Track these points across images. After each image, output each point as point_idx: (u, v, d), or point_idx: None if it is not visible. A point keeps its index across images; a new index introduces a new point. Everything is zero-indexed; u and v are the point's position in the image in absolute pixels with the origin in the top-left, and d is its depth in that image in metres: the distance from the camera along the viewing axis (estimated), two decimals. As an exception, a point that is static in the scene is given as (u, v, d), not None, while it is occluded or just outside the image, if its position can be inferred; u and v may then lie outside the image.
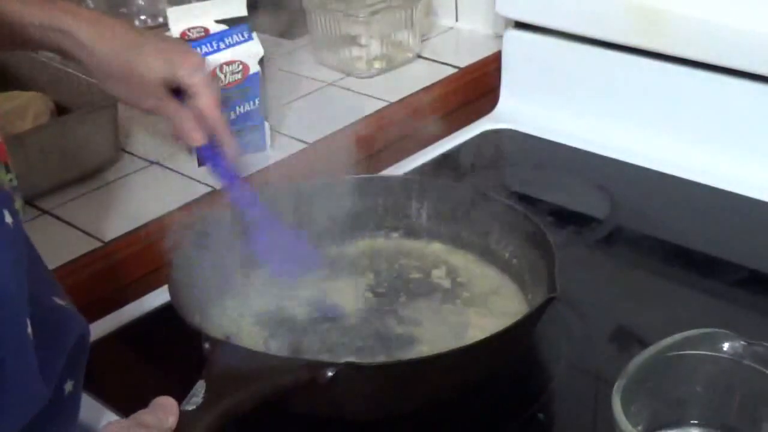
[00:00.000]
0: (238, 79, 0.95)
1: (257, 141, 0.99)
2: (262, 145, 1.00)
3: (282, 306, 0.77)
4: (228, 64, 0.94)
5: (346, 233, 0.85)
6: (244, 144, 0.97)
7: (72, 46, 0.79)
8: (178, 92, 0.82)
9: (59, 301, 0.55)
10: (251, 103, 0.97)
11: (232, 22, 0.95)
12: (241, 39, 0.95)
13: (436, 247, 0.84)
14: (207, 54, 0.93)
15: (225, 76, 0.94)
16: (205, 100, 0.81)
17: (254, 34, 0.96)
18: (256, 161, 0.97)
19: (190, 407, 0.58)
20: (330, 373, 0.61)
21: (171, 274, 0.72)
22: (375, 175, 0.93)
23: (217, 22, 0.94)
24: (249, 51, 0.95)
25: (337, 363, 0.61)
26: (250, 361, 0.63)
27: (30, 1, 0.78)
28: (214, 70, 0.89)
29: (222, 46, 0.94)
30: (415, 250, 0.84)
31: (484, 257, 0.81)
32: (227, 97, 0.93)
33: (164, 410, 0.56)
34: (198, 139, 0.81)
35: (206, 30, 0.94)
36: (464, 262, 0.82)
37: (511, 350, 0.69)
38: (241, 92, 0.96)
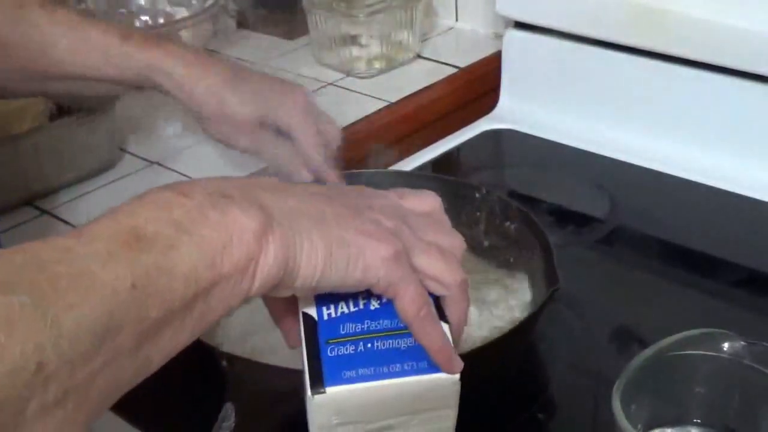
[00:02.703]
0: None
1: None
2: None
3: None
4: None
5: None
6: None
7: (170, 86, 0.79)
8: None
9: None
10: None
11: None
12: None
13: None
14: None
15: None
16: (302, 140, 0.79)
17: None
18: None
19: None
20: None
21: None
22: (362, 170, 0.93)
23: None
24: None
25: None
26: (278, 379, 0.62)
27: (132, 40, 0.78)
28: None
29: None
30: None
31: (474, 251, 0.80)
32: None
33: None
34: (303, 176, 0.80)
35: None
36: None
37: (515, 348, 0.69)
38: None
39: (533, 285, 0.74)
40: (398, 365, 0.49)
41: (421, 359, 0.49)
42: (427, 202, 0.56)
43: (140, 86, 0.80)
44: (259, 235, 0.44)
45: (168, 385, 0.66)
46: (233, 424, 0.58)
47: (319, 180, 0.79)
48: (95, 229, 0.43)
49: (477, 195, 0.81)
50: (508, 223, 0.78)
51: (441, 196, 0.80)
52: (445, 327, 0.51)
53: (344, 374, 0.48)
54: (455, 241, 0.54)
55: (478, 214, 0.80)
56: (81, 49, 0.77)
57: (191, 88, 0.78)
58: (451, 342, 0.50)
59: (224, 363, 0.65)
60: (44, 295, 0.37)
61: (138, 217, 0.43)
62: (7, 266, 0.39)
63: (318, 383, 0.48)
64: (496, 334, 0.70)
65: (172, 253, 0.42)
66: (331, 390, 0.48)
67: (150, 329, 0.41)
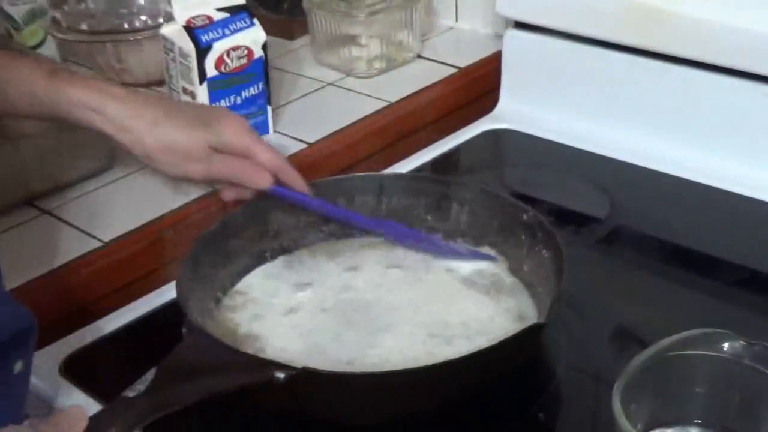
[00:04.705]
0: (243, 63, 0.98)
1: (261, 125, 1.01)
2: (266, 129, 1.02)
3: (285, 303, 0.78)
4: (234, 49, 0.97)
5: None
6: None
7: (101, 123, 0.77)
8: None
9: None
10: (255, 87, 1.00)
11: (231, 10, 0.98)
12: (244, 25, 0.98)
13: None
14: (213, 41, 0.96)
15: (231, 62, 0.97)
16: (265, 155, 0.80)
17: (256, 20, 0.99)
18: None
19: (131, 393, 0.58)
20: (282, 375, 0.60)
21: (186, 257, 0.73)
22: (417, 173, 0.94)
23: (218, 10, 0.98)
24: (252, 36, 0.98)
25: (293, 367, 0.61)
26: (207, 354, 0.62)
27: (58, 77, 0.77)
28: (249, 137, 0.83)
29: (227, 32, 0.97)
30: None
31: (514, 271, 0.80)
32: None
33: (68, 421, 0.54)
34: (267, 180, 0.80)
35: (209, 18, 0.97)
36: (495, 269, 0.81)
37: (490, 371, 0.67)
38: (245, 77, 0.99)
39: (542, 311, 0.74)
40: None
41: None
42: None
43: (73, 124, 0.79)
44: None
45: (152, 365, 0.66)
46: (142, 389, 0.58)
47: (284, 186, 0.81)
48: None
49: (524, 217, 0.80)
50: (544, 251, 0.77)
51: (493, 211, 0.82)
52: None
53: None
54: None
55: (523, 237, 0.79)
56: (9, 85, 0.76)
57: (128, 124, 0.77)
58: None
59: (184, 330, 0.65)
60: None
61: None
62: None
63: None
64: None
65: None
66: None
67: None
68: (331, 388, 0.64)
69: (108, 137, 0.79)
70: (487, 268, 0.81)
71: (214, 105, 0.95)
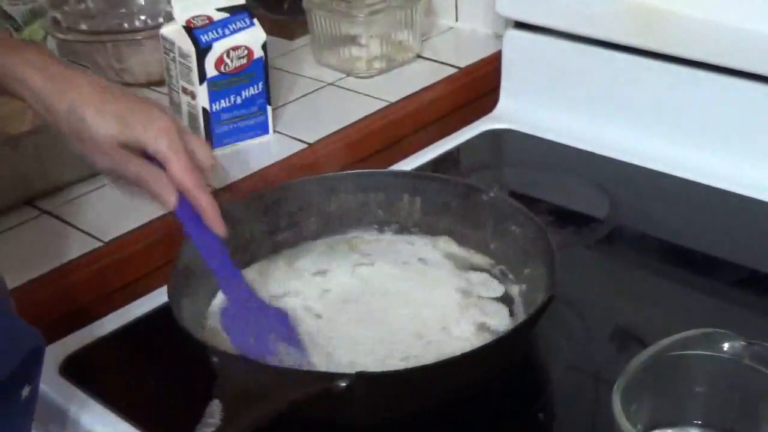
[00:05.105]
0: (243, 63, 0.98)
1: (261, 125, 1.02)
2: (266, 129, 1.03)
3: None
4: (234, 49, 0.97)
5: (339, 229, 0.85)
6: (247, 128, 1.01)
7: (28, 96, 0.71)
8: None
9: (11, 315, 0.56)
10: (255, 87, 1.00)
11: (231, 10, 0.98)
12: (244, 25, 0.98)
13: (428, 240, 0.84)
14: (213, 41, 0.96)
15: (231, 62, 0.97)
16: (174, 167, 0.71)
17: (255, 20, 0.99)
18: (259, 146, 1.01)
19: (208, 430, 0.58)
20: (343, 384, 0.61)
21: (170, 284, 0.72)
22: (366, 170, 0.93)
23: (219, 10, 0.98)
24: (252, 36, 0.98)
25: (349, 374, 0.61)
26: (263, 377, 0.63)
27: None
28: (180, 138, 0.73)
29: (227, 32, 0.97)
30: (409, 243, 0.84)
31: (481, 251, 0.81)
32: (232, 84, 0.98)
33: None
34: (168, 201, 0.71)
35: (209, 18, 0.97)
36: (460, 253, 0.82)
37: (516, 348, 0.69)
38: (245, 77, 0.99)
39: (531, 291, 0.75)
40: None
41: None
42: None
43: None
44: None
45: (159, 379, 0.66)
46: (219, 422, 0.58)
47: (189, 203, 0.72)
48: None
49: (484, 197, 0.80)
50: (514, 227, 0.77)
51: (448, 196, 0.82)
52: None
53: None
54: None
55: (485, 217, 0.80)
56: None
57: (51, 103, 0.71)
58: None
59: (215, 359, 0.65)
60: None
61: None
62: None
63: None
64: (488, 338, 0.71)
65: None
66: None
67: None
68: (383, 388, 0.64)
69: (32, 108, 0.73)
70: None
71: (149, 99, 0.81)
